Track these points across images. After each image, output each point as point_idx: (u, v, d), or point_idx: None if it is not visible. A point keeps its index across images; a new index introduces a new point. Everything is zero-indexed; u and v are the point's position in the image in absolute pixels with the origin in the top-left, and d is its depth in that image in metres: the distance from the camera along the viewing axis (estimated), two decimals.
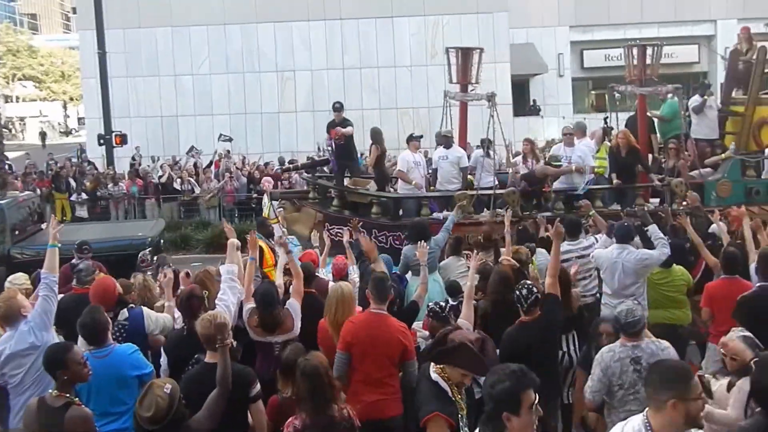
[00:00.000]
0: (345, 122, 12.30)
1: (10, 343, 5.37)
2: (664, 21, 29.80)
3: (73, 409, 4.52)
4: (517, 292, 5.89)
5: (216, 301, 5.94)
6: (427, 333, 6.20)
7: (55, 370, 4.62)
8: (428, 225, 9.16)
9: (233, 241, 6.64)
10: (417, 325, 6.63)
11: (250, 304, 6.10)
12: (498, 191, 11.28)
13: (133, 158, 23.60)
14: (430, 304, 6.07)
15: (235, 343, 5.16)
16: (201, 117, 26.33)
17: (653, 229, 7.85)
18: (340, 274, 7.62)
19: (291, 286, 6.54)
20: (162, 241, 13.75)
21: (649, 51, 11.92)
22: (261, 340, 6.00)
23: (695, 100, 13.15)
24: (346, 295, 5.90)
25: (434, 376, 4.53)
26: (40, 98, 67.00)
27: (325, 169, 13.64)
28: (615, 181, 11.64)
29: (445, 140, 12.10)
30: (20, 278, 7.12)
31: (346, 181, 12.50)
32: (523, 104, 30.02)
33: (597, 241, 8.40)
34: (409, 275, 8.23)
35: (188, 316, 5.63)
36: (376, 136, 12.22)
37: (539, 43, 30.24)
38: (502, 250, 8.31)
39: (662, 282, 7.70)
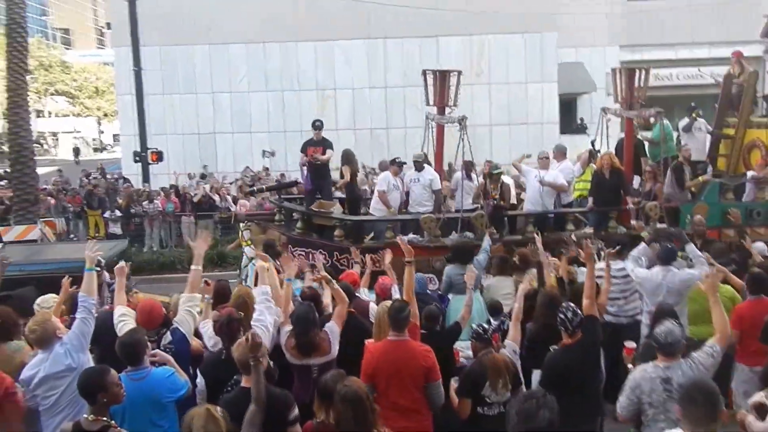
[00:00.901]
0: (325, 142, 12.53)
1: (45, 365, 5.46)
2: (715, 41, 29.61)
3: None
4: (562, 315, 5.97)
5: (253, 323, 6.02)
6: (469, 353, 6.29)
7: (95, 393, 4.69)
8: (473, 247, 9.36)
9: (262, 264, 6.79)
10: (462, 345, 6.72)
11: (288, 327, 6.17)
12: (465, 214, 11.37)
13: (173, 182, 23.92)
14: (473, 325, 6.13)
15: (272, 364, 5.21)
16: (239, 134, 26.75)
17: (691, 248, 8.17)
18: (385, 294, 7.71)
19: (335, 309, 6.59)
20: (125, 261, 13.68)
21: (636, 74, 12.06)
22: (298, 363, 6.05)
23: (685, 121, 13.53)
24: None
25: None
26: (74, 114, 68.23)
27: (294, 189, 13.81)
28: (589, 204, 11.88)
29: (417, 163, 12.24)
30: (49, 300, 7.22)
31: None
32: (570, 122, 30.04)
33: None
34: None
35: (227, 340, 5.66)
36: (348, 157, 12.44)
37: (588, 62, 30.23)
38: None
39: None
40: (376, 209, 12.20)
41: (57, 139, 68.34)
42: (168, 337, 6.13)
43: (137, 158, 22.63)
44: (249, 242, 11.26)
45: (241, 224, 12.36)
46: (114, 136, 65.46)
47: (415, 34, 26.36)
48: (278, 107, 27.09)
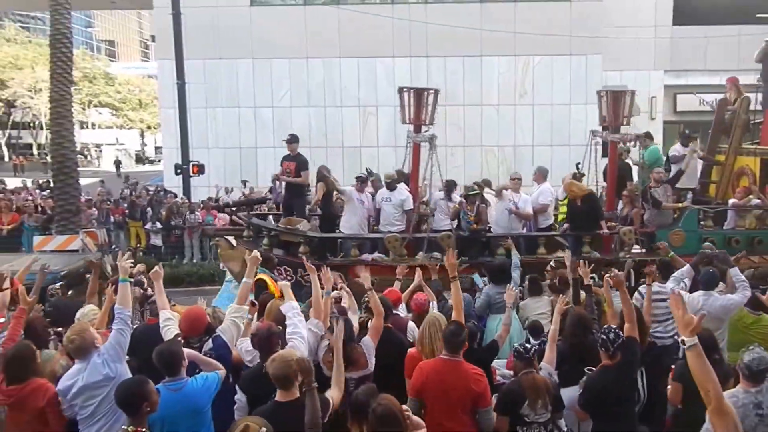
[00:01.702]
0: (299, 159, 12.72)
1: (83, 375, 5.53)
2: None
3: None
4: (603, 336, 6.03)
5: (288, 336, 6.05)
6: (509, 372, 6.28)
7: (138, 404, 4.78)
8: (508, 266, 9.53)
9: (286, 282, 6.95)
10: (499, 363, 6.73)
11: (325, 342, 6.24)
12: (432, 234, 11.43)
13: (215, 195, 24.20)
14: (515, 344, 6.10)
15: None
16: (280, 149, 26.93)
17: (734, 272, 8.18)
18: (420, 310, 7.75)
19: (370, 323, 6.65)
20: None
21: (621, 98, 12.04)
22: None
23: (675, 149, 13.62)
24: (441, 326, 6.07)
25: None
26: (117, 126, 69.50)
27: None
28: (563, 228, 12.08)
29: (389, 183, 12.28)
30: (89, 314, 7.30)
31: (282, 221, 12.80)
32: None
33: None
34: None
35: (267, 352, 5.66)
36: (323, 173, 12.42)
37: (632, 86, 29.95)
38: None
39: (752, 326, 7.98)
40: (345, 227, 12.27)
41: (100, 151, 69.62)
42: (209, 344, 6.21)
43: (178, 171, 22.92)
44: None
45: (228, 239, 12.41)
46: (156, 148, 66.50)
47: (459, 53, 26.47)
48: (320, 123, 27.34)
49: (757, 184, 12.51)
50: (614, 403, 5.89)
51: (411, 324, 7.53)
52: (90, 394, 5.52)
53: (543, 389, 5.69)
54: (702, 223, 12.14)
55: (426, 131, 12.14)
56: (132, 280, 6.51)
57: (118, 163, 57.10)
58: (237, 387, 5.92)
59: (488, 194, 13.00)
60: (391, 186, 12.20)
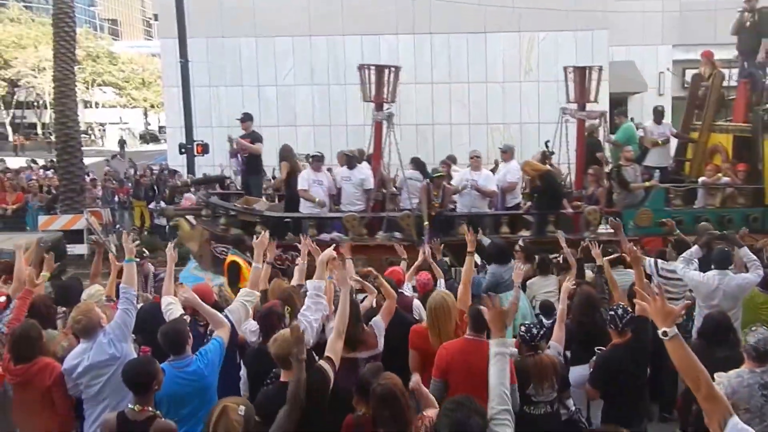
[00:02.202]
0: (253, 135, 12.64)
1: (89, 354, 5.64)
2: None
3: (158, 422, 4.75)
4: (612, 313, 6.11)
5: (298, 316, 6.11)
6: (515, 350, 6.31)
7: (148, 383, 4.87)
8: (508, 247, 9.48)
9: (323, 257, 6.62)
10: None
11: (332, 322, 6.26)
12: (391, 214, 11.38)
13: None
14: (522, 326, 6.13)
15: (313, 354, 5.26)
16: (284, 128, 26.96)
17: (744, 252, 8.20)
18: (425, 290, 7.80)
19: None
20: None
21: (587, 74, 12.06)
22: (344, 356, 6.14)
23: (648, 128, 13.39)
24: (449, 304, 6.08)
25: None
26: (121, 105, 69.44)
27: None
28: (525, 207, 12.01)
29: (348, 160, 12.20)
30: (95, 295, 7.42)
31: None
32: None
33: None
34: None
35: (268, 331, 5.77)
36: (286, 153, 12.34)
37: (640, 61, 29.84)
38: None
39: (763, 306, 8.00)
40: (305, 206, 12.11)
41: (104, 130, 69.60)
42: None
43: (183, 150, 22.93)
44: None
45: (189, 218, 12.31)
46: (160, 128, 66.46)
47: (462, 30, 26.25)
48: (324, 101, 27.23)
49: (729, 162, 12.36)
50: (625, 382, 5.93)
51: (416, 302, 7.61)
52: (95, 373, 5.62)
53: (549, 370, 5.72)
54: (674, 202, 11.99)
55: (387, 109, 11.97)
56: (138, 260, 6.56)
57: (122, 143, 57.04)
58: (242, 363, 6.10)
59: (454, 171, 12.94)
60: (351, 164, 12.07)
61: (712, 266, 8.05)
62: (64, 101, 18.81)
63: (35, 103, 63.56)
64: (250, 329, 6.42)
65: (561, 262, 9.28)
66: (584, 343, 6.74)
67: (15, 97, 60.33)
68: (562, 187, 11.93)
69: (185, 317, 6.20)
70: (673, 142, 14.13)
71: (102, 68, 63.24)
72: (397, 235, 11.06)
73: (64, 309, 7.41)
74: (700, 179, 12.37)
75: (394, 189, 12.68)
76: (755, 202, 11.94)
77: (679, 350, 3.57)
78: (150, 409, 4.85)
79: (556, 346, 6.40)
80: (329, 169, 13.15)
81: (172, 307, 6.33)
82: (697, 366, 3.54)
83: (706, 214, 11.63)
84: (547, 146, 13.22)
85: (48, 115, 56.65)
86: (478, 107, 26.28)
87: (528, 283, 8.92)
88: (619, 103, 29.76)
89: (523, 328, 6.13)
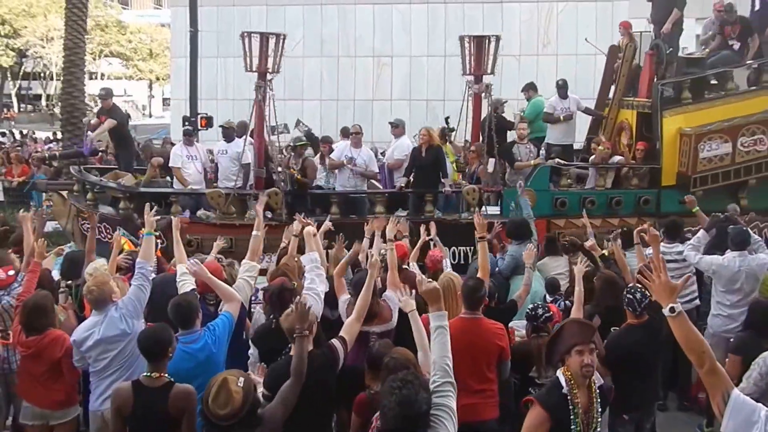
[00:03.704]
0: (112, 112, 12.30)
1: (99, 328, 5.74)
2: None
3: (177, 386, 4.90)
4: (630, 296, 6.12)
5: (304, 292, 6.12)
6: (523, 333, 6.41)
7: (165, 350, 4.98)
8: (528, 224, 9.29)
9: (309, 229, 6.90)
10: (516, 323, 6.83)
11: (346, 295, 6.36)
12: (259, 191, 10.67)
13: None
14: (531, 305, 6.21)
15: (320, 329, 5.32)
16: (290, 102, 26.87)
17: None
18: (435, 267, 7.85)
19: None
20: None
21: (485, 44, 11.61)
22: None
23: (551, 102, 12.82)
24: (456, 286, 6.15)
25: (560, 375, 4.70)
26: (126, 76, 69.22)
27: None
28: (400, 184, 11.45)
29: (225, 133, 11.89)
30: (100, 269, 7.39)
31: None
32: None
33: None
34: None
35: (279, 309, 5.78)
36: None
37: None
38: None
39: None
40: (178, 184, 11.80)
41: None
42: None
43: (186, 123, 22.93)
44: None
45: (44, 194, 12.06)
46: (164, 100, 66.25)
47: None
48: (332, 74, 27.13)
49: (634, 139, 11.99)
50: (637, 364, 5.97)
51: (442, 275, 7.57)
52: (105, 347, 5.74)
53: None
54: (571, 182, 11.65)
55: (270, 79, 11.62)
56: (157, 233, 6.63)
57: (127, 117, 56.90)
58: (250, 342, 6.15)
59: (335, 146, 12.62)
60: (228, 137, 11.80)
61: (731, 248, 7.98)
62: (72, 71, 18.77)
63: (41, 74, 63.55)
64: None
65: (567, 245, 9.24)
66: (605, 328, 6.57)
67: (22, 67, 60.35)
68: (445, 165, 11.42)
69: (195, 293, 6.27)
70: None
71: (110, 38, 62.94)
72: (268, 214, 10.33)
73: (68, 282, 7.53)
74: (591, 158, 11.92)
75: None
76: (652, 184, 11.50)
77: (684, 325, 3.63)
78: (166, 375, 4.98)
79: None
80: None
81: (185, 278, 6.30)
82: (702, 341, 3.62)
83: (592, 195, 11.24)
84: (447, 122, 12.94)
85: (53, 87, 56.62)
86: (492, 81, 26.17)
87: (538, 263, 8.81)
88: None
89: (530, 307, 6.24)
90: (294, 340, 4.88)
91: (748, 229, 8.38)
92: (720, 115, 11.28)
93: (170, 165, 11.88)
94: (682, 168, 11.24)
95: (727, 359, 6.49)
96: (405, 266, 7.64)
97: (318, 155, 12.69)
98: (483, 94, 11.81)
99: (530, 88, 13.87)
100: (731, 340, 7.04)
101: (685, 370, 8.04)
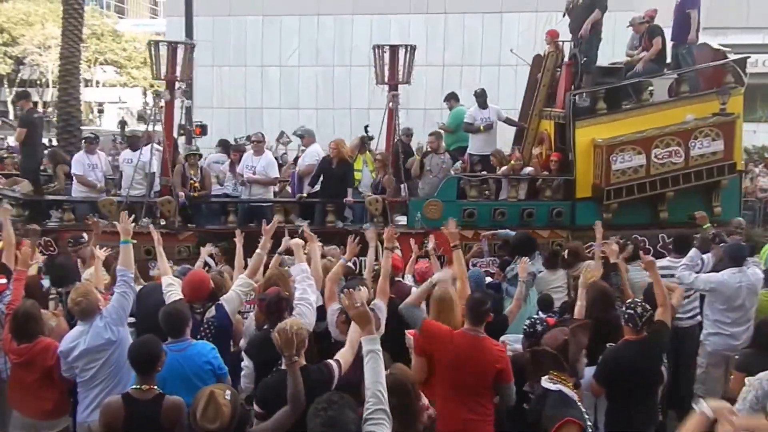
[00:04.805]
0: (25, 117, 12.05)
1: (85, 338, 5.66)
2: None
3: (167, 399, 4.80)
4: (631, 311, 5.93)
5: (296, 302, 6.08)
6: (517, 347, 6.27)
7: (155, 362, 4.89)
8: (533, 238, 9.13)
9: (297, 241, 6.85)
10: (509, 337, 6.71)
11: (336, 305, 6.22)
12: (152, 199, 10.90)
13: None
14: (528, 320, 6.09)
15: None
16: (287, 110, 26.88)
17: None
18: (423, 279, 7.73)
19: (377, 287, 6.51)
20: None
21: (401, 53, 11.46)
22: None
23: (470, 113, 12.62)
24: (452, 298, 6.01)
25: (551, 385, 4.63)
26: (120, 84, 69.44)
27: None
28: (300, 195, 11.45)
29: (131, 142, 11.87)
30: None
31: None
32: None
33: (703, 262, 8.21)
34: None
35: (275, 319, 5.63)
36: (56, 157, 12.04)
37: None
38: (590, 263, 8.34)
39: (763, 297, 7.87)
40: (77, 190, 11.70)
41: (102, 110, 69.59)
42: (212, 311, 6.24)
43: (181, 131, 22.89)
44: None
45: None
46: (160, 107, 66.28)
47: (478, 9, 26.09)
48: (328, 83, 27.16)
49: (553, 149, 11.75)
50: (634, 381, 5.76)
51: (415, 290, 7.44)
52: (91, 357, 5.66)
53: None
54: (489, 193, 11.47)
55: (178, 88, 11.38)
56: (134, 241, 6.56)
57: (123, 123, 56.93)
58: (243, 353, 5.95)
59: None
60: (134, 146, 11.70)
61: (728, 263, 7.85)
62: (68, 79, 18.83)
63: (38, 82, 63.67)
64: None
65: (567, 257, 9.11)
66: (597, 341, 6.31)
67: (19, 75, 60.45)
68: (351, 176, 11.33)
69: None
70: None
71: (105, 46, 63.17)
72: (145, 221, 10.34)
73: (59, 290, 7.43)
74: (501, 169, 11.65)
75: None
76: (567, 195, 11.20)
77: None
78: (155, 387, 4.89)
79: None
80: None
81: (172, 289, 6.26)
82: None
83: (503, 206, 11.00)
84: (366, 131, 12.84)
85: (50, 94, 56.72)
86: (488, 92, 26.18)
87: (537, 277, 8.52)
88: None
89: (527, 323, 6.07)
90: (287, 368, 4.79)
91: (745, 244, 8.26)
92: (636, 126, 10.97)
93: (72, 172, 11.79)
94: (597, 180, 10.92)
95: (731, 376, 6.38)
96: (398, 278, 7.54)
97: (228, 163, 12.57)
98: (391, 104, 11.72)
99: (452, 98, 13.88)
100: (736, 357, 6.91)
101: (686, 386, 7.93)
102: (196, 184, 11.14)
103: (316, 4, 26.66)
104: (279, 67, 27.38)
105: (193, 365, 5.41)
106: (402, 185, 11.45)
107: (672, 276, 7.73)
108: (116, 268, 6.20)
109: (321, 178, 11.42)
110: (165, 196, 10.85)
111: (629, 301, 6.20)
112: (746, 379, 5.22)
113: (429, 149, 11.76)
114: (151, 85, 68.52)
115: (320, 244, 7.46)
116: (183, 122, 22.93)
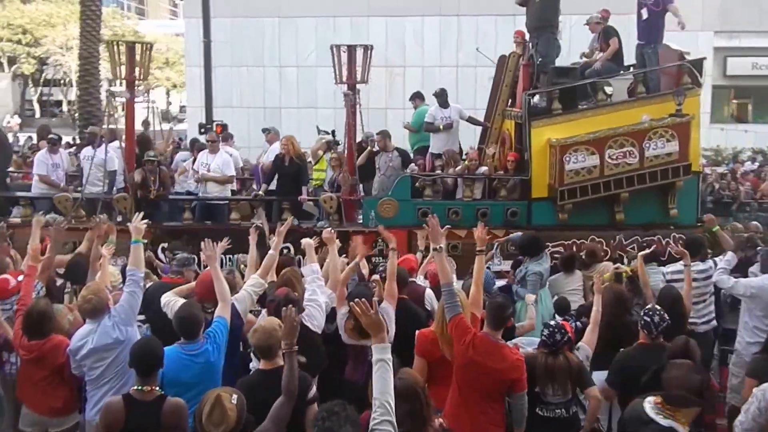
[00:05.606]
0: None
1: (93, 337, 5.63)
2: None
3: (168, 401, 4.77)
4: (647, 318, 5.84)
5: (305, 303, 6.07)
6: (530, 350, 6.13)
7: (157, 365, 4.89)
8: (541, 238, 9.00)
9: (308, 241, 6.83)
10: (522, 340, 6.58)
11: (345, 308, 6.16)
12: (107, 196, 10.75)
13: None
14: (546, 328, 5.88)
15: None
16: (305, 110, 26.89)
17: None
18: (436, 281, 7.62)
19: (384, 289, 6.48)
20: None
21: (359, 52, 11.37)
22: (354, 344, 6.09)
23: (431, 112, 12.42)
24: (464, 302, 5.85)
25: (662, 419, 4.54)
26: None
27: None
28: (258, 192, 11.42)
29: (91, 139, 11.82)
30: (113, 271, 7.41)
31: None
32: None
33: (715, 265, 8.00)
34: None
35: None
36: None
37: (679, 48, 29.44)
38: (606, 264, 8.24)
39: None
40: (37, 189, 11.67)
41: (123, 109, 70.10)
42: None
43: (202, 130, 22.97)
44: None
45: None
46: (181, 107, 66.75)
47: (491, 12, 25.97)
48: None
49: (513, 149, 11.54)
50: (648, 386, 5.47)
51: (429, 292, 7.31)
52: (99, 356, 5.63)
53: (560, 372, 5.52)
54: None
55: (138, 87, 11.37)
56: (145, 241, 6.52)
57: (146, 123, 57.19)
58: (252, 354, 5.89)
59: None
60: (95, 144, 11.66)
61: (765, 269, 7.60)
62: (88, 79, 19.09)
63: (62, 81, 64.18)
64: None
65: (584, 258, 8.95)
66: (609, 346, 6.32)
67: (43, 74, 60.96)
68: (305, 173, 11.32)
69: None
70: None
71: None
72: (103, 217, 9.62)
73: (73, 286, 7.43)
74: (456, 168, 11.40)
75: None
76: (523, 195, 10.93)
77: None
78: (157, 388, 4.86)
79: (586, 349, 6.09)
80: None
81: (172, 302, 6.23)
82: None
83: (457, 206, 10.72)
84: (333, 135, 12.88)
85: (74, 93, 57.20)
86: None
87: (550, 279, 8.51)
88: None
89: (546, 332, 5.79)
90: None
91: None
92: (592, 127, 10.68)
93: (35, 172, 11.82)
94: (551, 180, 10.64)
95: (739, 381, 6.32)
96: (412, 279, 7.41)
97: (191, 160, 12.56)
98: (351, 103, 11.73)
99: (417, 97, 13.80)
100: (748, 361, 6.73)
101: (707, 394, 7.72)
102: (152, 189, 10.92)
103: (332, 6, 26.71)
104: (296, 67, 27.40)
105: (206, 365, 5.39)
106: (359, 184, 11.34)
107: (682, 281, 7.45)
108: (126, 267, 6.16)
109: (276, 177, 11.39)
110: (128, 192, 10.76)
111: (648, 307, 6.06)
112: (753, 390, 5.10)
113: (378, 148, 11.75)
114: (174, 86, 69.02)
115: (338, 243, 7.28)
116: (203, 122, 23.14)
